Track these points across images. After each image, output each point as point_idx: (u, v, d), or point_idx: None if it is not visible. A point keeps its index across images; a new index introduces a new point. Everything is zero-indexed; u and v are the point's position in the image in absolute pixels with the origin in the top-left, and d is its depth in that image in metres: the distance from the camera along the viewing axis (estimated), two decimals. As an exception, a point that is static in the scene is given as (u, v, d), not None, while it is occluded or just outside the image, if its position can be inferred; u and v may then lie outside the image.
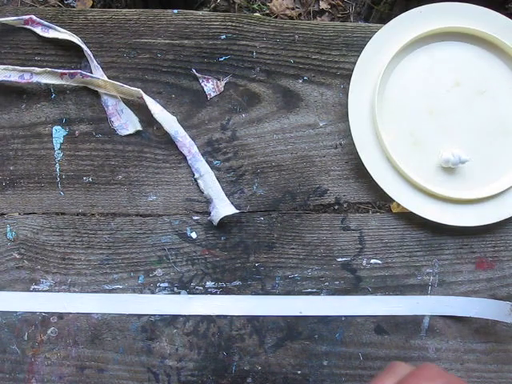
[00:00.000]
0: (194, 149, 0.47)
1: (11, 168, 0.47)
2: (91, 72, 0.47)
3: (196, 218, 0.47)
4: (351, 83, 0.47)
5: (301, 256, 0.47)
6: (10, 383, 0.44)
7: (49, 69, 0.46)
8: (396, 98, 0.47)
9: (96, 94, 0.47)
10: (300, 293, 0.46)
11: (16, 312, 0.45)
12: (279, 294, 0.46)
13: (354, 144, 0.46)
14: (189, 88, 0.48)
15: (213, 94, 0.48)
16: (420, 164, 0.47)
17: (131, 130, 0.47)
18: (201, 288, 0.46)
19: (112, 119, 0.47)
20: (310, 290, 0.47)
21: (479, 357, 0.47)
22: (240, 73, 0.48)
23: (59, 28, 0.47)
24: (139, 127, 0.47)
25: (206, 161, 0.47)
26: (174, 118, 0.47)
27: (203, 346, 0.46)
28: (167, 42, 0.48)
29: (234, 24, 0.48)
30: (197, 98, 0.48)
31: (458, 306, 0.46)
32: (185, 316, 0.46)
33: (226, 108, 0.48)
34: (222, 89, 0.48)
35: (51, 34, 0.47)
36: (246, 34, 0.48)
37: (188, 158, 0.47)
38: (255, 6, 1.21)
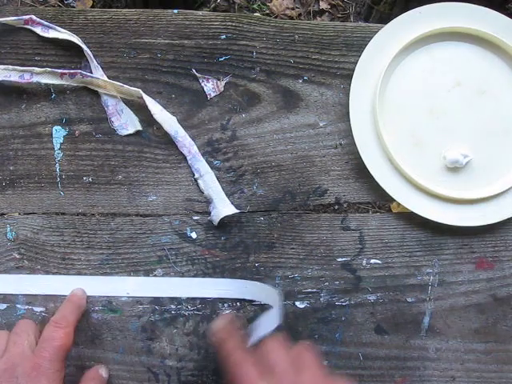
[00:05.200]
0: (194, 149, 0.47)
1: (11, 168, 0.47)
2: (91, 72, 0.47)
3: (196, 217, 0.47)
4: (352, 83, 0.47)
5: (301, 256, 0.47)
6: (10, 383, 0.44)
7: (49, 69, 0.46)
8: (397, 99, 0.47)
9: (96, 94, 0.47)
10: (300, 292, 0.46)
11: (16, 312, 0.45)
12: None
13: (354, 144, 0.46)
14: (189, 88, 0.48)
15: (213, 94, 0.48)
16: (421, 164, 0.47)
17: (131, 130, 0.47)
18: (201, 288, 0.46)
19: (112, 119, 0.47)
20: (309, 289, 0.47)
21: (479, 357, 0.47)
22: (240, 73, 0.48)
23: (59, 28, 0.47)
24: (139, 127, 0.47)
25: (206, 161, 0.47)
26: (174, 118, 0.47)
27: (203, 345, 0.46)
28: (167, 42, 0.48)
29: (234, 24, 0.48)
30: (197, 98, 0.48)
31: (233, 288, 0.46)
32: (185, 316, 0.46)
33: (226, 108, 0.48)
34: (222, 89, 0.48)
35: (51, 34, 0.47)
36: (246, 34, 0.48)
37: (188, 158, 0.47)
38: (255, 6, 1.22)
